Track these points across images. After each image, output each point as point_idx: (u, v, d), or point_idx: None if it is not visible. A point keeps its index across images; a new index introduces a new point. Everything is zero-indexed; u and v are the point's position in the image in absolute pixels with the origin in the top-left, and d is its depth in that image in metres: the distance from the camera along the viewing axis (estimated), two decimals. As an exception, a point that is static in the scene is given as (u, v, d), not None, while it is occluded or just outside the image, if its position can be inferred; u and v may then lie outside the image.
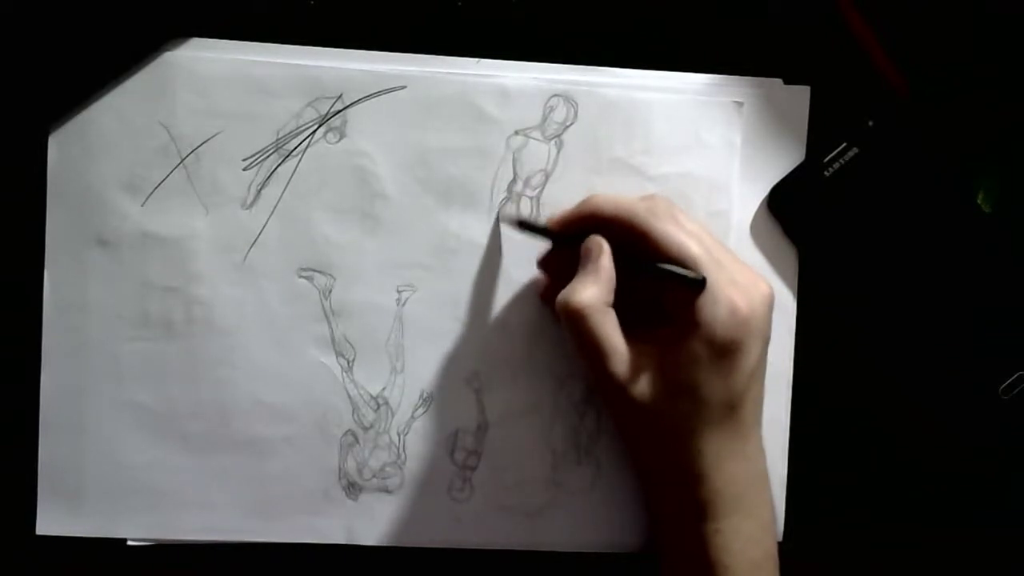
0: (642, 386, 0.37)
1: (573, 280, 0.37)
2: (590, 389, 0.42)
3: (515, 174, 0.42)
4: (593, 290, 0.36)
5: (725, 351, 0.36)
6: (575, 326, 0.36)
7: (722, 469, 0.37)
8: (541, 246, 0.40)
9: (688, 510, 0.38)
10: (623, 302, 0.37)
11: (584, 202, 0.39)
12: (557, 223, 0.40)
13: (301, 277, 0.41)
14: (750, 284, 0.37)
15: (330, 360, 0.42)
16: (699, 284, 0.36)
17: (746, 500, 0.38)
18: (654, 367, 0.37)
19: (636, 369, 0.37)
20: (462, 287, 0.42)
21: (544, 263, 0.41)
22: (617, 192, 0.41)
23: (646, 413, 0.37)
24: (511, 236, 0.42)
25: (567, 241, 0.39)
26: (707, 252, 0.37)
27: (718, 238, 0.39)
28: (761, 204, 0.43)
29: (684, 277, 0.36)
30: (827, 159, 0.42)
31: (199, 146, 0.41)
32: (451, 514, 0.42)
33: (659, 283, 0.37)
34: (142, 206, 0.41)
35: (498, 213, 0.41)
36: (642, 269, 0.37)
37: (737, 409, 0.37)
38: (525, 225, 0.40)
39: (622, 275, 0.37)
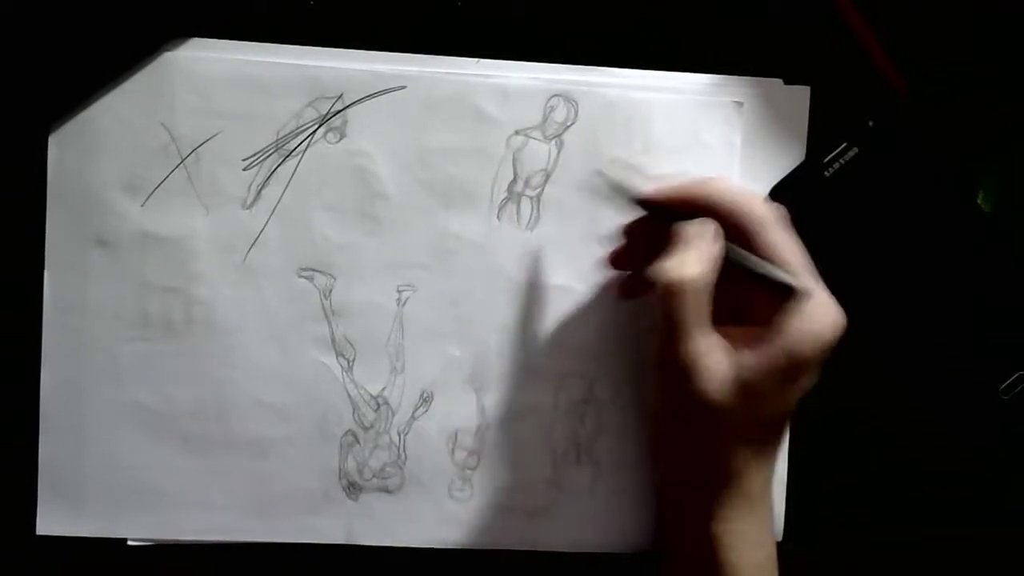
0: (712, 377, 0.36)
1: (678, 253, 0.36)
2: (590, 389, 0.42)
3: (515, 174, 0.42)
4: (702, 268, 0.35)
5: (798, 369, 0.35)
6: (673, 298, 0.35)
7: (749, 475, 0.37)
8: (546, 249, 0.40)
9: (705, 511, 0.37)
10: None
11: (701, 184, 0.38)
12: (665, 195, 0.38)
13: (301, 277, 0.41)
14: (834, 310, 0.36)
15: (330, 360, 0.42)
16: (801, 295, 0.35)
17: (758, 503, 0.38)
18: (729, 363, 0.36)
19: (712, 359, 0.36)
20: (462, 287, 0.42)
21: (630, 230, 0.40)
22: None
23: (700, 406, 0.36)
24: (511, 236, 0.42)
25: (666, 215, 0.38)
26: (809, 269, 0.36)
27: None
28: (761, 204, 0.43)
29: (788, 285, 0.35)
30: (827, 159, 0.42)
31: (199, 146, 0.41)
32: (451, 514, 0.42)
33: (746, 286, 0.37)
34: (142, 206, 0.41)
35: (598, 171, 0.41)
36: (745, 266, 0.36)
37: (781, 422, 0.37)
38: (624, 192, 0.39)
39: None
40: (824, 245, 0.42)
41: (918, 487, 0.43)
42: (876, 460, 0.43)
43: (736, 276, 0.37)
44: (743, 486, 0.37)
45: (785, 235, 0.37)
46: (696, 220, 0.37)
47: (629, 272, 0.41)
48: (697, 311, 0.36)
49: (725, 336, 0.37)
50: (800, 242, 0.37)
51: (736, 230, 0.37)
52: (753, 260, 0.36)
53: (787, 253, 0.36)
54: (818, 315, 0.36)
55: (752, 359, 0.36)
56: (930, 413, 0.42)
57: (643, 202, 0.39)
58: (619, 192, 0.39)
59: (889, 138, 0.42)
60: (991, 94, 0.43)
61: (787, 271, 0.36)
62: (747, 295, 0.37)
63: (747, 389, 0.36)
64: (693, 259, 0.36)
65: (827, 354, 0.36)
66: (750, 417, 0.36)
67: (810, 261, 0.37)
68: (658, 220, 0.38)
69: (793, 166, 0.42)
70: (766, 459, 0.38)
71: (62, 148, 0.41)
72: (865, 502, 0.44)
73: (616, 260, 0.41)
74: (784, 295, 0.36)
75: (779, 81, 0.42)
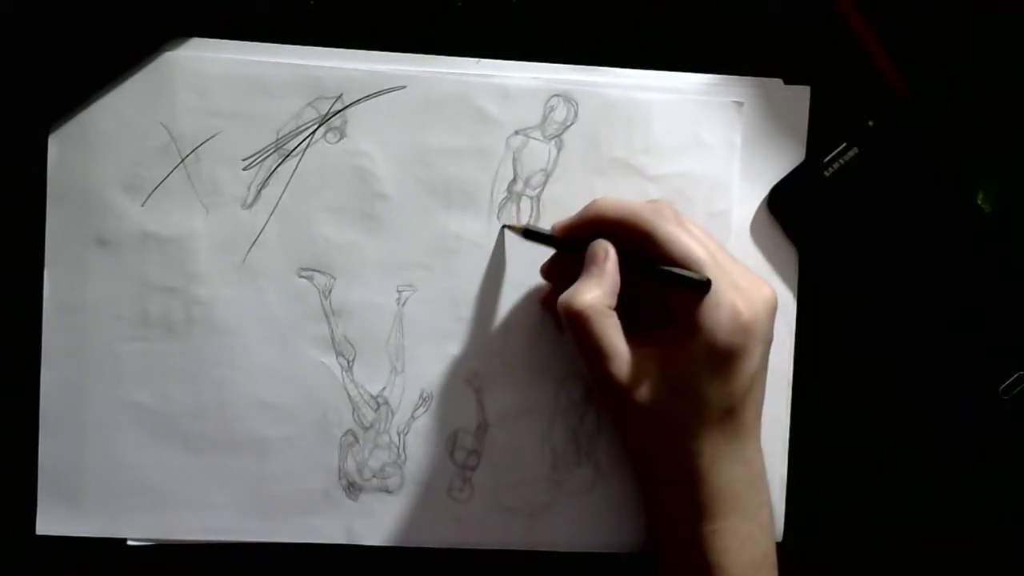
0: (642, 388, 0.37)
1: (577, 282, 0.37)
2: (590, 389, 0.42)
3: (515, 174, 0.42)
4: (596, 292, 0.36)
5: (726, 355, 0.36)
6: (577, 327, 0.36)
7: (720, 471, 0.37)
8: (543, 249, 0.40)
9: (686, 511, 0.38)
10: (625, 304, 0.37)
11: (588, 207, 0.39)
12: (561, 229, 0.39)
13: (301, 277, 0.41)
14: (752, 288, 0.37)
15: (330, 360, 0.42)
16: (703, 286, 0.36)
17: (743, 501, 0.38)
18: (655, 369, 0.37)
19: (636, 371, 0.37)
20: (462, 287, 0.42)
21: (547, 270, 0.41)
22: (618, 192, 0.41)
23: (646, 414, 0.37)
24: (511, 237, 0.42)
25: (572, 246, 0.39)
26: (711, 256, 0.36)
27: (719, 241, 0.39)
28: (761, 204, 0.43)
29: (688, 279, 0.36)
30: (827, 159, 0.42)
31: (199, 146, 0.41)
32: (451, 514, 0.42)
33: (662, 285, 0.37)
34: (142, 206, 0.41)
35: (503, 226, 0.41)
36: (646, 271, 0.37)
37: (736, 412, 0.37)
38: (530, 234, 0.40)
39: (625, 277, 0.37)
40: (824, 245, 0.42)
41: (918, 487, 0.43)
42: (876, 460, 0.43)
43: (650, 281, 0.37)
44: (716, 483, 0.37)
45: (676, 228, 0.37)
46: (593, 246, 0.38)
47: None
48: (607, 332, 0.36)
49: (652, 341, 0.37)
50: (700, 228, 0.38)
51: (633, 237, 0.37)
52: (654, 267, 0.37)
53: (681, 248, 0.36)
54: (729, 299, 0.36)
55: (676, 358, 0.36)
56: (930, 413, 0.42)
57: (552, 240, 0.39)
58: (528, 236, 0.40)
59: (889, 138, 0.42)
60: (991, 94, 0.43)
61: (686, 264, 0.36)
62: (666, 296, 0.38)
63: (681, 389, 0.36)
64: (591, 284, 0.37)
65: (761, 330, 0.37)
66: (697, 414, 0.37)
67: (714, 245, 0.38)
68: (568, 252, 0.39)
69: (793, 166, 0.42)
70: (736, 453, 0.38)
71: (62, 148, 0.41)
72: (865, 502, 0.44)
73: (548, 274, 0.41)
74: (693, 289, 0.36)
75: (779, 81, 0.42)
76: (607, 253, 0.37)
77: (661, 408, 0.37)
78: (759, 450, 0.39)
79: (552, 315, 0.41)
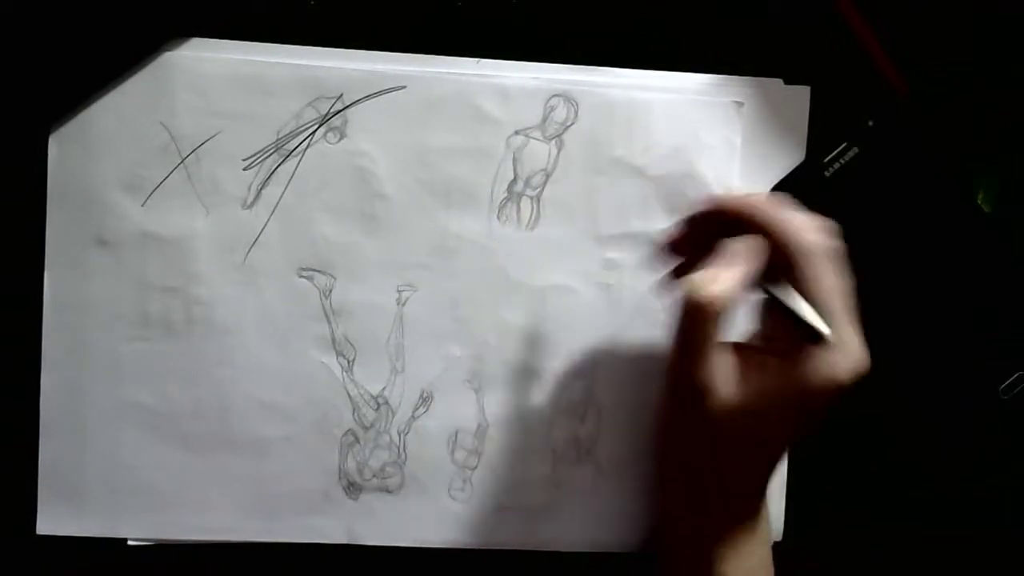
0: (720, 402, 0.35)
1: (710, 267, 0.35)
2: (590, 389, 0.42)
3: (515, 174, 0.42)
4: (728, 289, 0.34)
5: (811, 406, 0.35)
6: (695, 318, 0.34)
7: (747, 499, 0.37)
8: (543, 250, 0.40)
9: (701, 532, 0.38)
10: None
11: (759, 207, 0.36)
12: (716, 205, 0.37)
13: (301, 277, 0.41)
14: (859, 355, 0.35)
15: (330, 360, 0.42)
16: (827, 342, 0.34)
17: (753, 531, 0.38)
18: (739, 389, 0.35)
19: (724, 383, 0.35)
20: (462, 287, 0.42)
21: (675, 243, 0.38)
22: (618, 192, 0.41)
23: (708, 427, 0.36)
24: (511, 236, 0.42)
25: (699, 223, 0.37)
26: (844, 310, 0.35)
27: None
28: (761, 204, 0.43)
29: (816, 331, 0.35)
30: (827, 159, 0.42)
31: (199, 146, 0.41)
32: (451, 514, 0.42)
33: (777, 316, 0.36)
34: (142, 206, 0.41)
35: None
36: (784, 302, 0.35)
37: (780, 452, 0.37)
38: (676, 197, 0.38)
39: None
40: (824, 245, 0.42)
41: (918, 487, 0.43)
42: (876, 460, 0.43)
43: (770, 301, 0.36)
44: (741, 510, 0.37)
45: (830, 273, 0.35)
46: (740, 239, 0.36)
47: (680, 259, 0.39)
48: (715, 331, 0.35)
49: (741, 355, 0.36)
50: (845, 280, 0.36)
51: (782, 256, 0.35)
52: (790, 296, 0.35)
53: (825, 293, 0.35)
54: (840, 363, 0.34)
55: (763, 388, 0.35)
56: (930, 413, 0.42)
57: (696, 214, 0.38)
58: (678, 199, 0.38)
59: (889, 138, 0.42)
60: (991, 94, 0.43)
61: (821, 314, 0.35)
62: (775, 320, 0.37)
63: (752, 416, 0.35)
64: (724, 278, 0.34)
65: (841, 396, 0.35)
66: (750, 441, 0.36)
67: (850, 301, 0.36)
68: (708, 228, 0.37)
69: (793, 166, 0.42)
70: (763, 485, 0.38)
71: (62, 148, 0.41)
72: (865, 502, 0.44)
73: (670, 247, 0.39)
74: (811, 335, 0.35)
75: (779, 81, 0.42)
76: (757, 257, 0.35)
77: (727, 426, 0.35)
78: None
79: (668, 289, 0.39)
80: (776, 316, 0.37)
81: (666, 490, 0.40)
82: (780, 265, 0.35)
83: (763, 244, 0.35)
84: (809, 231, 0.35)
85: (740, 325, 0.38)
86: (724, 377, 0.35)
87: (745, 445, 0.36)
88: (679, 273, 0.39)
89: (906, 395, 0.42)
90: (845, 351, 0.35)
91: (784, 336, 0.36)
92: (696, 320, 0.34)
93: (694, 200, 0.38)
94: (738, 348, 0.37)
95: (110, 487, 0.41)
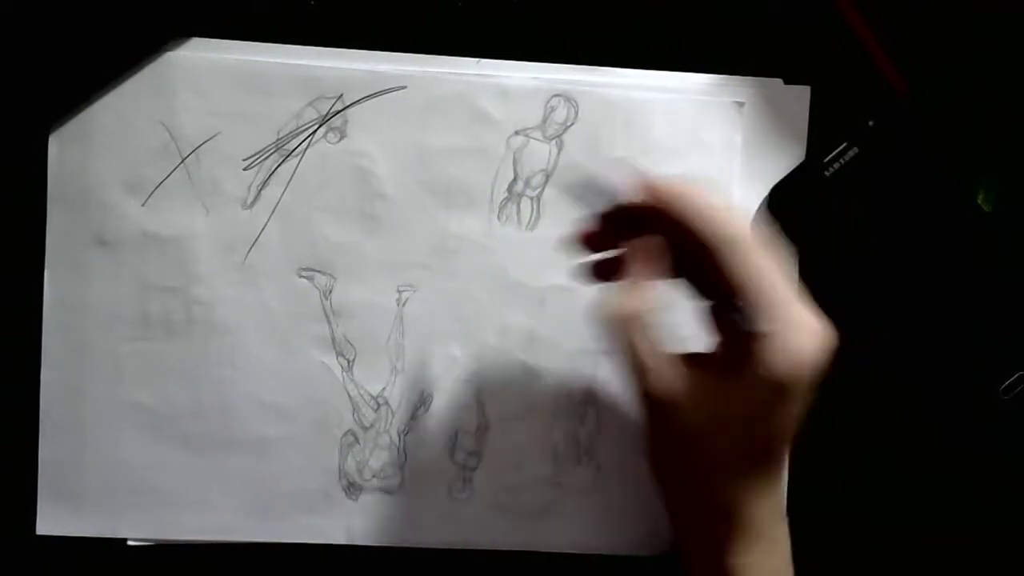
0: (685, 414, 0.35)
1: (621, 284, 0.35)
2: (590, 389, 0.42)
3: (515, 174, 0.42)
4: (640, 298, 0.34)
5: (779, 397, 0.34)
6: (618, 336, 0.34)
7: (751, 506, 0.36)
8: (543, 250, 0.39)
9: (713, 543, 0.36)
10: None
11: (679, 195, 0.34)
12: (628, 197, 0.35)
13: (301, 277, 0.41)
14: (812, 328, 0.34)
15: (330, 360, 0.42)
16: (763, 334, 0.33)
17: (770, 536, 0.37)
18: (702, 397, 0.34)
19: (680, 396, 0.34)
20: (462, 287, 0.42)
21: (587, 237, 0.37)
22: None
23: (683, 442, 0.35)
24: (511, 236, 0.42)
25: (621, 222, 0.35)
26: (782, 291, 0.34)
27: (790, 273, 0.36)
28: (761, 204, 0.43)
29: (753, 322, 0.33)
30: (827, 159, 0.42)
31: (199, 146, 0.41)
32: (451, 514, 0.42)
33: (722, 309, 0.35)
34: (142, 206, 0.41)
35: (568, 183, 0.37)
36: (709, 296, 0.35)
37: (774, 450, 0.36)
38: (586, 188, 0.36)
39: (680, 286, 0.36)
40: (824, 245, 0.42)
41: (918, 488, 0.43)
42: (876, 461, 0.43)
43: (713, 308, 0.36)
44: (746, 518, 0.36)
45: (760, 258, 0.34)
46: (643, 242, 0.35)
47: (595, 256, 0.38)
48: (650, 346, 0.34)
49: (701, 363, 0.35)
50: (780, 261, 0.34)
51: (706, 249, 0.34)
52: (723, 298, 0.34)
53: (757, 279, 0.33)
54: (795, 343, 0.33)
55: (728, 392, 0.34)
56: (930, 414, 0.42)
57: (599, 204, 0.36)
58: (576, 194, 0.36)
59: (889, 138, 0.42)
60: (991, 94, 0.43)
61: (761, 301, 0.33)
62: (723, 325, 0.36)
63: (727, 421, 0.34)
64: (635, 289, 0.34)
65: (815, 375, 0.34)
66: (737, 447, 0.35)
67: (791, 280, 0.34)
68: (620, 223, 0.36)
69: (793, 166, 0.42)
70: (767, 488, 0.36)
71: (62, 148, 0.41)
72: (865, 502, 0.43)
73: (584, 240, 0.37)
74: (751, 328, 0.33)
75: (779, 81, 0.42)
76: (662, 254, 0.35)
77: (702, 439, 0.35)
78: (784, 483, 0.38)
79: (586, 283, 0.38)
80: (723, 321, 0.36)
81: (671, 512, 0.39)
82: (706, 260, 0.34)
83: (663, 243, 0.35)
84: (731, 223, 0.34)
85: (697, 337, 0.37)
86: (675, 389, 0.34)
87: (730, 453, 0.35)
88: (598, 268, 0.38)
89: (906, 395, 0.42)
90: (799, 329, 0.33)
91: (736, 337, 0.34)
92: (623, 340, 0.34)
93: (616, 183, 0.36)
94: (697, 358, 0.36)
95: (110, 487, 0.41)
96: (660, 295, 0.34)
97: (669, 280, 0.35)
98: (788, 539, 0.38)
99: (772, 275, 0.34)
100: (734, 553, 0.36)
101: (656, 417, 0.36)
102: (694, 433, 0.35)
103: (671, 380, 0.34)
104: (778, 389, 0.33)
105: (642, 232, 0.35)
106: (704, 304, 0.36)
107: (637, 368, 0.35)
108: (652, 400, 0.35)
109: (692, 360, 0.35)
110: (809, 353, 0.34)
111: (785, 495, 0.39)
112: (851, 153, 0.42)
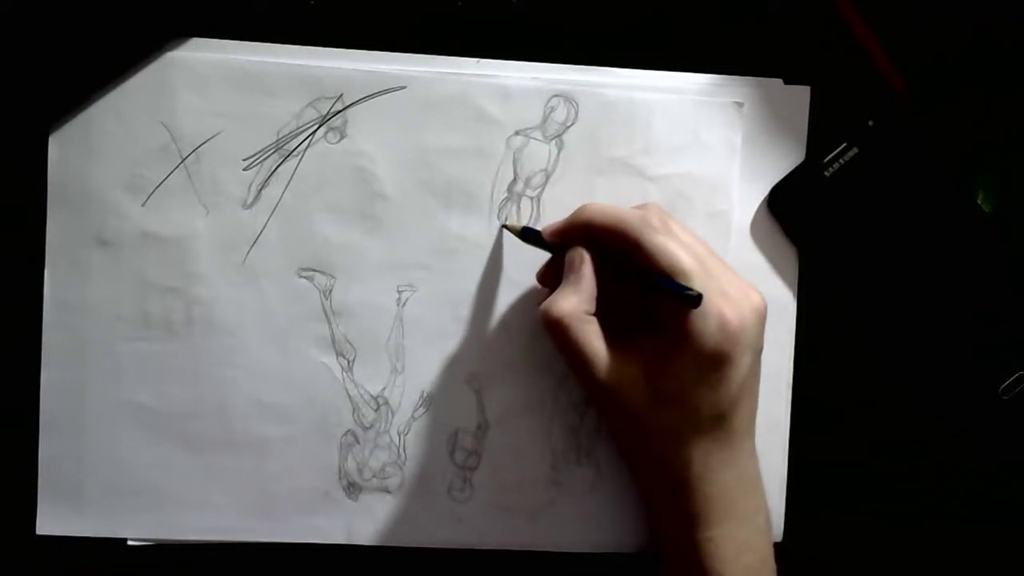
0: (629, 394, 0.37)
1: (556, 291, 0.38)
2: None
3: (515, 174, 0.42)
4: (573, 300, 0.37)
5: (714, 364, 0.36)
6: (557, 336, 0.37)
7: (712, 478, 0.37)
8: (541, 253, 0.40)
9: (681, 518, 0.38)
10: (613, 310, 0.38)
11: (577, 212, 0.39)
12: (551, 234, 0.39)
13: (301, 277, 0.41)
14: (741, 296, 0.37)
15: (330, 360, 0.42)
16: (692, 300, 0.35)
17: (738, 507, 0.38)
18: (641, 376, 0.37)
19: (622, 377, 0.37)
20: (462, 287, 0.42)
21: (543, 275, 0.41)
22: (619, 193, 0.41)
23: (633, 420, 0.37)
24: (511, 236, 0.42)
25: (562, 251, 0.39)
26: (699, 264, 0.36)
27: (720, 241, 0.39)
28: (761, 204, 0.43)
29: (677, 293, 0.35)
30: (827, 159, 0.42)
31: (199, 146, 0.41)
32: (451, 514, 0.42)
33: (651, 293, 0.37)
34: (142, 206, 0.41)
35: (502, 226, 0.41)
36: (636, 281, 0.37)
37: (726, 419, 0.37)
38: (528, 236, 0.40)
39: (615, 284, 0.37)
40: (824, 245, 0.42)
41: (918, 487, 0.43)
42: (876, 460, 0.43)
43: (641, 288, 0.37)
44: (709, 490, 0.37)
45: (664, 237, 0.36)
46: (569, 253, 0.38)
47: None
48: (586, 338, 0.37)
49: (639, 348, 0.37)
50: (690, 234, 0.38)
51: (623, 245, 0.37)
52: (644, 277, 0.36)
53: (669, 258, 0.36)
54: (725, 311, 0.36)
55: (664, 366, 0.36)
56: (930, 413, 0.42)
57: (546, 244, 0.40)
58: (525, 238, 0.40)
59: (889, 138, 0.42)
60: (991, 94, 0.43)
61: (674, 274, 0.36)
62: (654, 303, 0.38)
63: (669, 397, 0.36)
64: (567, 292, 0.37)
65: (750, 340, 0.36)
66: (686, 422, 0.37)
67: (703, 250, 0.37)
68: (559, 255, 0.39)
69: (793, 166, 0.42)
70: (728, 458, 0.38)
71: (62, 148, 0.41)
72: (865, 502, 0.44)
73: (543, 279, 0.41)
74: (683, 302, 0.35)
75: (779, 81, 0.42)
76: (583, 260, 0.37)
77: (648, 414, 0.37)
78: (753, 455, 0.39)
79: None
80: (657, 305, 0.37)
81: (641, 490, 0.42)
82: (629, 254, 0.37)
83: (579, 250, 0.38)
84: (629, 213, 0.37)
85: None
86: (619, 374, 0.37)
87: (681, 427, 0.37)
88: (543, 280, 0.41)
89: (906, 395, 0.43)
90: (726, 297, 0.36)
91: (668, 309, 0.37)
92: (563, 338, 0.37)
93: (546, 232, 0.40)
94: (625, 343, 0.37)
95: (110, 487, 0.41)
96: (589, 294, 0.37)
97: (606, 281, 0.38)
98: (764, 509, 0.39)
99: (694, 245, 0.37)
100: (699, 527, 0.38)
101: (605, 405, 0.38)
102: (640, 411, 0.37)
103: (612, 367, 0.37)
104: (713, 357, 0.36)
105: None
106: (640, 294, 0.38)
107: (578, 362, 0.37)
108: (598, 389, 0.37)
109: (631, 345, 0.37)
110: (739, 320, 0.36)
111: (757, 464, 0.39)
112: (851, 153, 0.42)
